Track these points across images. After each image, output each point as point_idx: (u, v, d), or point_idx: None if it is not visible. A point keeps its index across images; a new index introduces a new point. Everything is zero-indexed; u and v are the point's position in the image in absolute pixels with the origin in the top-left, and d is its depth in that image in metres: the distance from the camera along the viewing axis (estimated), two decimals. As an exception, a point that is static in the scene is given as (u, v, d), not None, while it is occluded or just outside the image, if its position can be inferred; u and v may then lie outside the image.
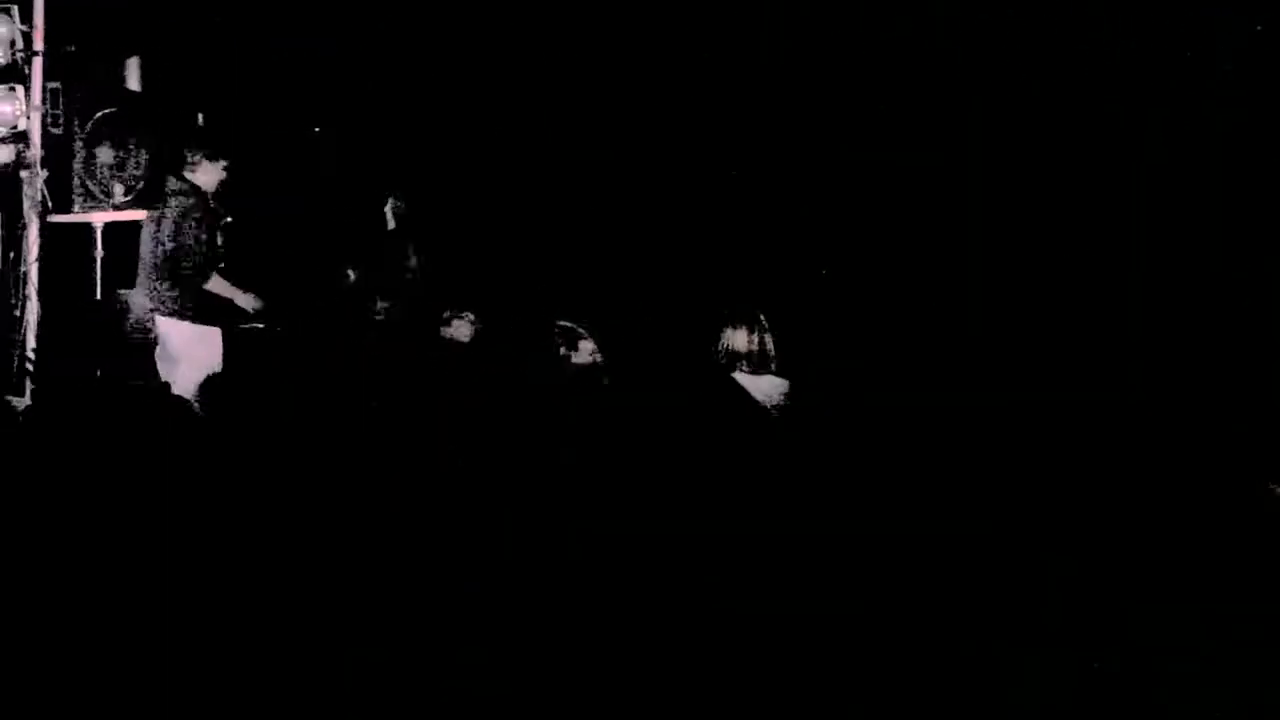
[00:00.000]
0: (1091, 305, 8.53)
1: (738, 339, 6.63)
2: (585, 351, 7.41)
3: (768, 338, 6.62)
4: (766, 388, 6.56)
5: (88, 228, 9.42)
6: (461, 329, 7.79)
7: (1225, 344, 8.05)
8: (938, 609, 5.02)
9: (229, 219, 8.62)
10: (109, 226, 9.42)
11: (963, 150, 9.15)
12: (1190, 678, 4.60)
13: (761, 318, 6.63)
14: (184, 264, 8.31)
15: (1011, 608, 4.94)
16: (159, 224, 8.43)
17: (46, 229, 9.18)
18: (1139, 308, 8.42)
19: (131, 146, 9.49)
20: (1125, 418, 6.97)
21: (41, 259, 9.11)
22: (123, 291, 9.13)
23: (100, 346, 8.88)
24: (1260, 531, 5.19)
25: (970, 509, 5.57)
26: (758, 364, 6.61)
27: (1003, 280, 8.83)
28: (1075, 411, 7.15)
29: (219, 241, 8.51)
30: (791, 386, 6.56)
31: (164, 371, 8.26)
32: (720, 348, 6.62)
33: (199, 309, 8.38)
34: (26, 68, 9.10)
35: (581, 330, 7.45)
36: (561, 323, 7.50)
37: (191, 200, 8.36)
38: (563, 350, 7.31)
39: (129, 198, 9.47)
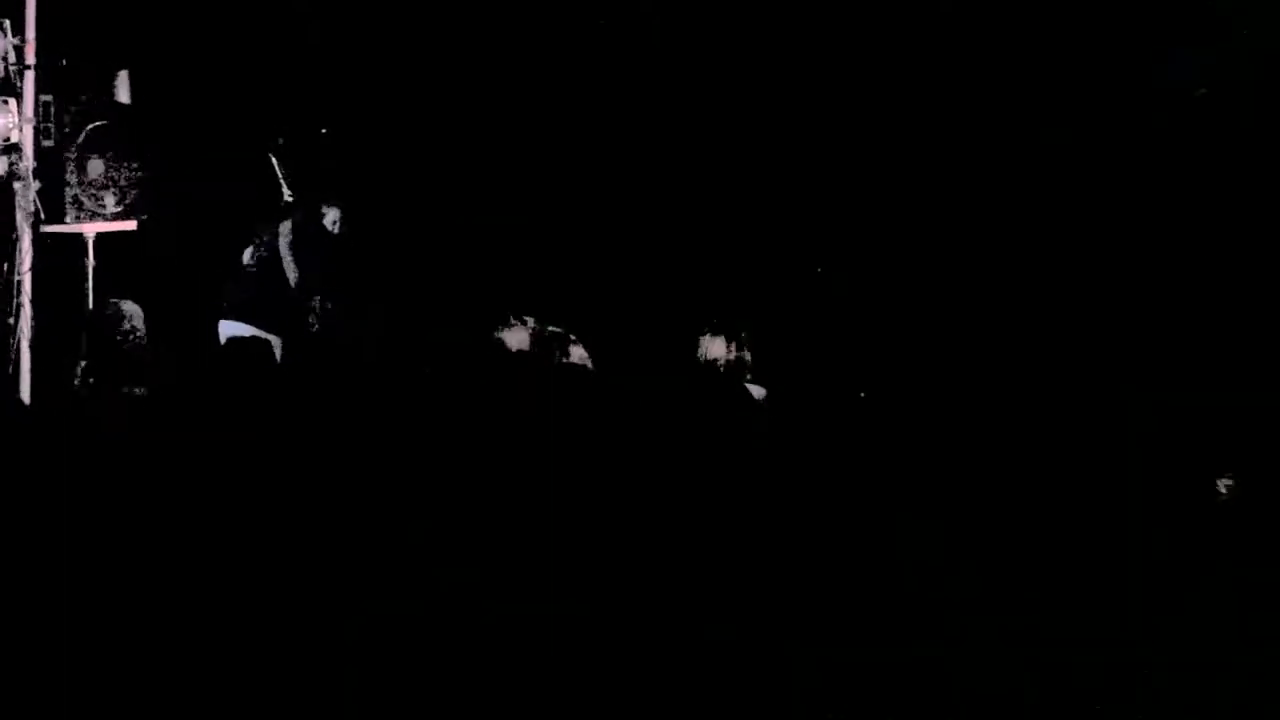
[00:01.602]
0: (1051, 305, 8.61)
1: (715, 347, 6.71)
2: (575, 356, 7.41)
3: (745, 347, 6.70)
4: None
5: (79, 238, 9.63)
6: (518, 335, 7.43)
7: (1172, 342, 8.14)
8: (912, 611, 5.09)
9: None
10: (100, 236, 9.65)
11: (944, 154, 9.21)
12: (1136, 675, 4.68)
13: (739, 328, 6.70)
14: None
15: (980, 610, 5.00)
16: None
17: (39, 239, 9.36)
18: (1095, 309, 8.51)
19: (121, 158, 9.67)
20: (1078, 417, 7.03)
21: (35, 268, 9.28)
22: (114, 300, 9.27)
23: (93, 354, 8.98)
24: (1208, 529, 5.27)
25: (946, 513, 5.62)
26: (735, 372, 6.69)
27: (977, 285, 8.91)
28: (1034, 413, 7.23)
29: None
30: (769, 395, 6.64)
31: None
32: (698, 356, 6.70)
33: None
34: (19, 81, 9.25)
35: (571, 335, 7.45)
36: (551, 328, 7.48)
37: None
38: (554, 355, 7.28)
39: (119, 208, 9.66)
